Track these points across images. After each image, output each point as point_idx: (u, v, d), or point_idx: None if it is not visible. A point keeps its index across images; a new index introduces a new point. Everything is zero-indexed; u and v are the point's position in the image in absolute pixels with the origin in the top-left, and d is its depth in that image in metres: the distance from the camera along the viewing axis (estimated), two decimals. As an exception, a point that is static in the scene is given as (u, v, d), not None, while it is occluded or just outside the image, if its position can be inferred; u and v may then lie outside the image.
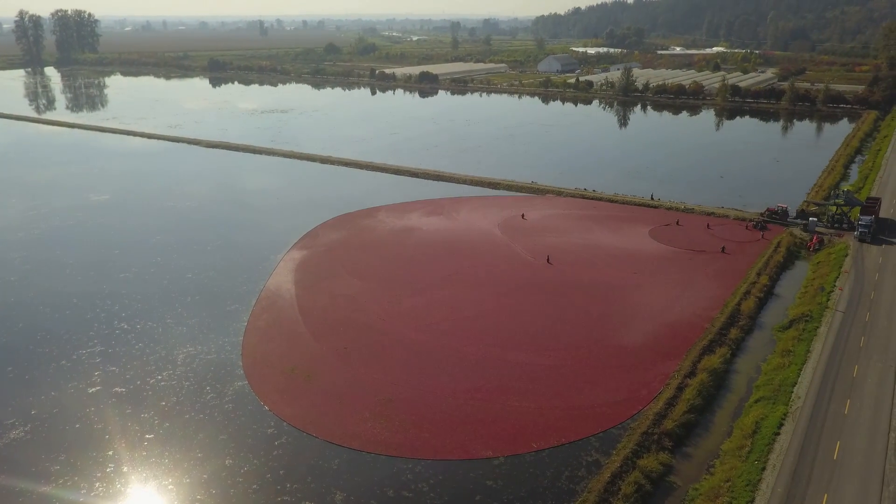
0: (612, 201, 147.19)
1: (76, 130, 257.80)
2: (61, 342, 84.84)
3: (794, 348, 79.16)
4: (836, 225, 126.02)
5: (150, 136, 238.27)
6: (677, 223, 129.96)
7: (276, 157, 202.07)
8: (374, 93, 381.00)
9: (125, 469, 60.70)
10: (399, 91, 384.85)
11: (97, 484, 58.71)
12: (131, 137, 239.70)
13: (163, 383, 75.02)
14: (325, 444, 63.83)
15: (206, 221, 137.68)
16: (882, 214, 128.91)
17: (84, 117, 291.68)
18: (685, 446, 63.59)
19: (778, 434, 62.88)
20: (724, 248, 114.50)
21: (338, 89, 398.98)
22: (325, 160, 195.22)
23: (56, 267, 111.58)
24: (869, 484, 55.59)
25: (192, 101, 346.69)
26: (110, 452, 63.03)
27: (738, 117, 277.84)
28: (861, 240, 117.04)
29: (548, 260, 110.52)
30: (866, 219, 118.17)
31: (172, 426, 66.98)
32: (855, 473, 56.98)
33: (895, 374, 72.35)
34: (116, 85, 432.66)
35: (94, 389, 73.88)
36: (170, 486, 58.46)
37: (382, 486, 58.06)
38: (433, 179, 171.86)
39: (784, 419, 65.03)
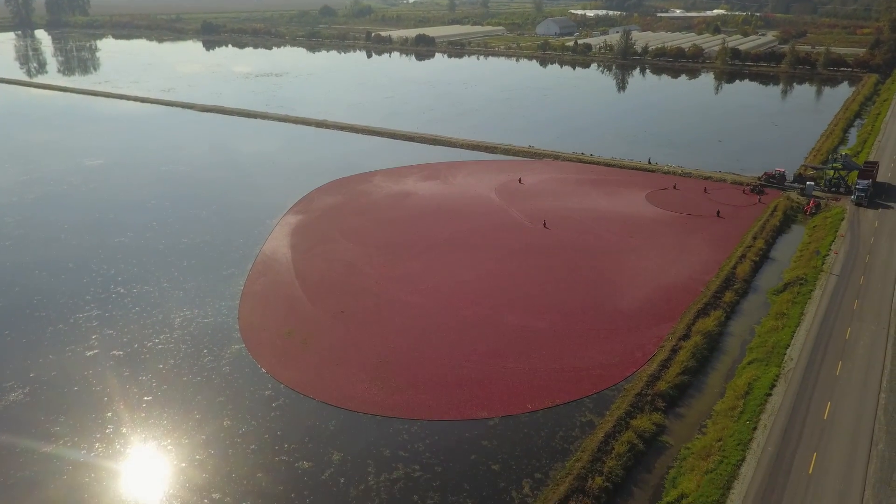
0: (609, 165, 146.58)
1: (68, 94, 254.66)
2: (58, 306, 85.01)
3: (789, 311, 79.67)
4: (833, 189, 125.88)
5: (143, 100, 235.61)
6: (674, 187, 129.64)
7: (271, 122, 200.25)
8: (369, 56, 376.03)
9: (124, 430, 61.33)
10: (395, 54, 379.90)
11: (97, 445, 59.37)
12: (124, 101, 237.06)
13: (160, 346, 75.41)
14: (321, 406, 64.46)
15: (201, 186, 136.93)
16: (879, 178, 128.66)
17: (76, 81, 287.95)
18: (678, 407, 64.36)
19: (770, 395, 63.63)
20: (718, 211, 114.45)
21: (333, 52, 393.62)
22: (320, 124, 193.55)
23: (51, 231, 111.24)
24: (858, 443, 56.45)
25: (185, 64, 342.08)
26: (109, 414, 63.63)
27: (737, 81, 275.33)
28: (858, 204, 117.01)
29: (544, 224, 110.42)
30: (863, 183, 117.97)
31: (170, 388, 67.52)
32: (844, 433, 57.82)
33: (887, 336, 72.99)
34: (108, 48, 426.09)
35: (92, 353, 74.25)
36: (169, 447, 59.15)
37: (379, 446, 58.81)
38: (429, 143, 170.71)
39: (776, 380, 65.74)
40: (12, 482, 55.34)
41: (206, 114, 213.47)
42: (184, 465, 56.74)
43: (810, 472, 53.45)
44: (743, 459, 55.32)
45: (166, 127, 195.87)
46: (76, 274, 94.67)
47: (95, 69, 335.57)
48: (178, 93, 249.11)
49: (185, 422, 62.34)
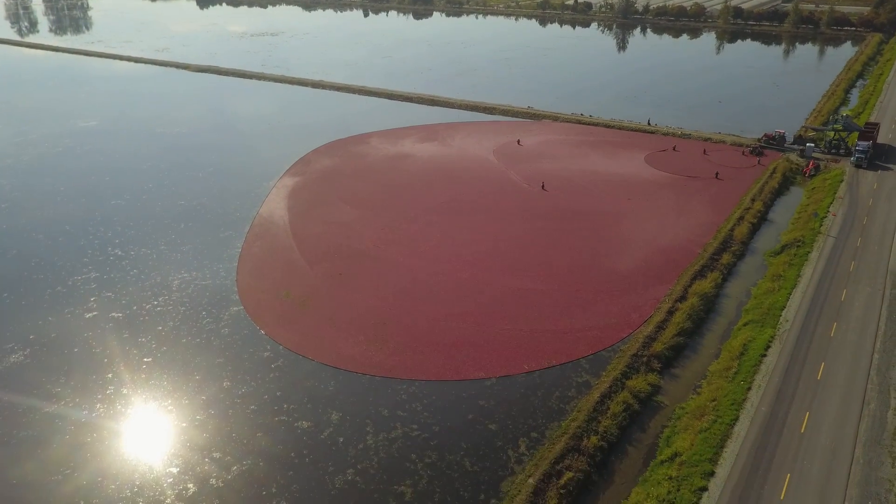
0: (608, 126, 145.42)
1: (60, 54, 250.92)
2: (55, 269, 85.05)
3: (785, 273, 79.94)
4: (833, 150, 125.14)
5: (136, 61, 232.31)
6: (674, 149, 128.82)
7: (267, 82, 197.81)
8: (366, 14, 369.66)
9: (125, 391, 61.97)
10: (392, 13, 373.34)
11: (98, 405, 60.04)
12: (118, 61, 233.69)
13: (159, 308, 75.69)
14: (320, 367, 65.03)
15: (196, 148, 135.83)
16: (880, 140, 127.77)
17: (68, 41, 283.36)
18: (673, 368, 65.01)
19: (765, 356, 64.23)
20: (717, 173, 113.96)
21: (329, 11, 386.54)
22: (316, 84, 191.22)
23: (46, 194, 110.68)
24: (850, 403, 57.19)
25: (179, 23, 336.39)
26: (110, 375, 64.19)
27: (739, 40, 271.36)
28: (857, 165, 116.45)
29: (543, 186, 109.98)
30: (863, 144, 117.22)
31: (170, 350, 68.00)
32: (837, 393, 58.54)
33: (882, 297, 73.40)
34: (100, 6, 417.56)
35: (90, 315, 74.56)
36: (169, 407, 59.84)
37: (377, 405, 59.51)
38: (427, 104, 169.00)
39: (771, 341, 66.29)
40: (16, 441, 56.16)
41: (200, 74, 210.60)
42: (184, 425, 57.50)
43: (802, 430, 54.26)
44: (736, 419, 56.10)
45: (161, 88, 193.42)
46: (73, 237, 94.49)
47: (88, 28, 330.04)
48: (172, 53, 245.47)
49: (186, 383, 62.94)
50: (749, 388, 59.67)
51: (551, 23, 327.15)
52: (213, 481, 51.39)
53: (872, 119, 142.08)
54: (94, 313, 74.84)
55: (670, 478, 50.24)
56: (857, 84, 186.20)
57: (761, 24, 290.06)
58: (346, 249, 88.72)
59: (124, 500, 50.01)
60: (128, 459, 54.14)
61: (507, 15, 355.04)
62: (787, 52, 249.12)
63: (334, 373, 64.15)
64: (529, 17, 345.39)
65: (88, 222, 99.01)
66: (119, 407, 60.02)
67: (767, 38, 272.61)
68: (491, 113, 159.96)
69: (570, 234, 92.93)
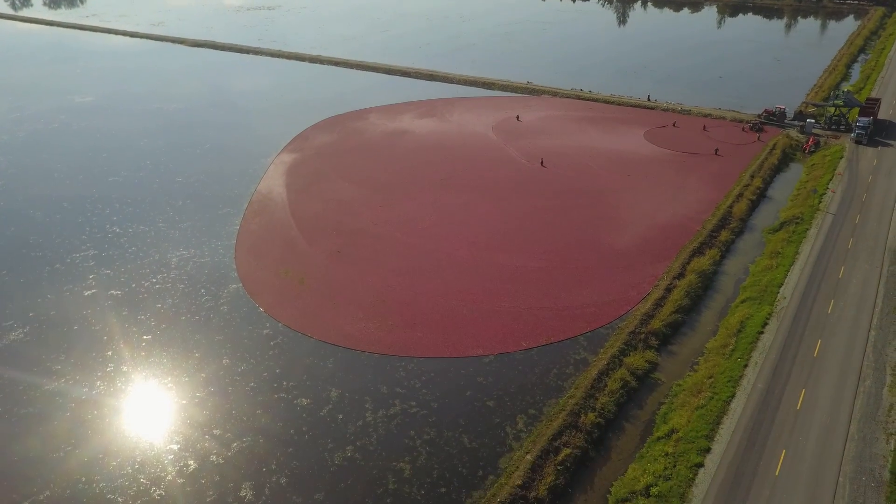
0: (608, 102, 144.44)
1: (55, 28, 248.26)
2: (54, 246, 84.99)
3: (783, 250, 79.97)
4: (833, 126, 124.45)
5: (132, 35, 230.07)
6: (674, 125, 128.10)
7: (264, 57, 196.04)
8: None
9: (125, 369, 62.26)
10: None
11: (98, 383, 60.37)
12: (113, 36, 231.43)
13: (158, 286, 75.77)
14: (319, 344, 65.28)
15: (194, 124, 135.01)
16: (881, 116, 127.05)
17: (62, 14, 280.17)
18: (671, 345, 65.30)
19: (762, 333, 64.49)
20: (717, 150, 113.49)
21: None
22: (314, 59, 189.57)
23: (43, 171, 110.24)
24: (846, 380, 57.56)
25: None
26: (110, 353, 64.44)
27: (740, 14, 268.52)
28: (857, 141, 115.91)
29: (542, 163, 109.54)
30: (864, 120, 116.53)
31: (169, 328, 68.20)
32: (833, 370, 58.88)
33: (880, 275, 73.54)
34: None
35: (89, 292, 74.66)
36: (169, 385, 60.18)
37: (376, 382, 59.86)
38: (426, 79, 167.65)
39: (769, 318, 66.52)
40: (17, 418, 56.58)
41: (197, 49, 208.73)
42: (184, 402, 57.86)
43: (798, 407, 54.68)
44: (733, 396, 56.49)
45: (157, 63, 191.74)
46: (71, 214, 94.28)
47: (82, 2, 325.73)
48: (167, 27, 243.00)
49: (185, 360, 63.23)
50: (746, 366, 60.01)
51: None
52: (213, 458, 51.86)
53: (874, 94, 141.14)
54: (93, 291, 74.94)
55: (667, 454, 50.73)
56: (859, 59, 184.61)
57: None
58: (344, 226, 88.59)
59: (126, 476, 50.52)
60: (129, 436, 54.56)
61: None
62: (788, 27, 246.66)
63: (333, 350, 64.41)
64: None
65: (86, 199, 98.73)
66: (119, 384, 60.34)
67: (769, 12, 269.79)
68: (490, 88, 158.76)
69: (568, 211, 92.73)
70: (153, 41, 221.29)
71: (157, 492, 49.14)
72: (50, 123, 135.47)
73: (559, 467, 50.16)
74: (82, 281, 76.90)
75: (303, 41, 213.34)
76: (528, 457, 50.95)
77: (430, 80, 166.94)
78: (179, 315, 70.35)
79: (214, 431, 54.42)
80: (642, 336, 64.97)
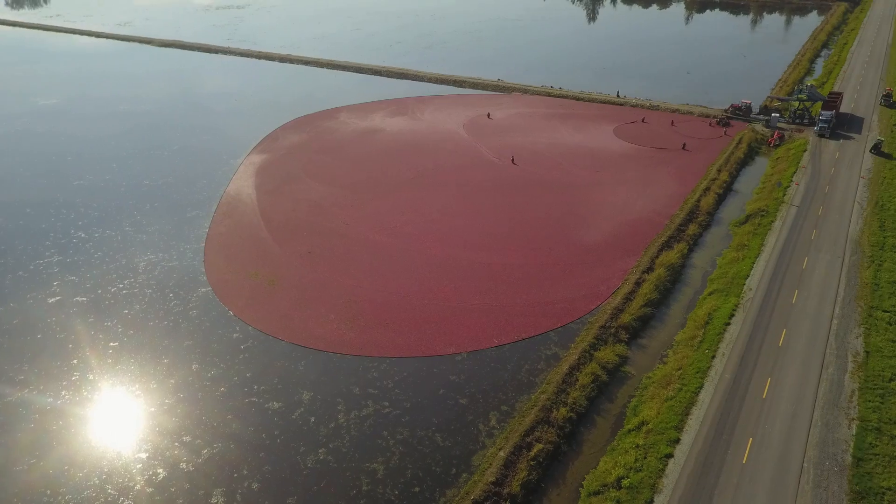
0: (578, 99, 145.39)
1: (17, 29, 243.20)
2: (16, 252, 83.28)
3: (749, 242, 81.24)
4: (797, 120, 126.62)
5: (97, 35, 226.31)
6: (643, 121, 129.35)
7: (233, 57, 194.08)
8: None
9: (91, 377, 61.17)
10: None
11: (64, 392, 59.23)
12: (78, 36, 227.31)
13: (125, 292, 74.63)
14: (291, 347, 64.82)
15: (161, 126, 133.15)
16: (843, 109, 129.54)
17: (25, 15, 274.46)
18: (641, 338, 65.98)
19: (729, 324, 65.45)
20: (684, 144, 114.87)
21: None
22: (284, 59, 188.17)
23: (5, 176, 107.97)
24: (810, 368, 58.68)
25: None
26: (75, 361, 63.30)
27: (707, 10, 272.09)
28: (820, 135, 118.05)
29: (512, 160, 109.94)
30: (826, 114, 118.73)
31: (137, 334, 67.20)
32: (798, 359, 59.97)
33: (842, 265, 75.04)
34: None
35: (54, 299, 73.30)
36: (137, 392, 59.28)
37: (348, 384, 59.61)
38: (397, 78, 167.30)
39: (735, 310, 67.54)
40: (-20, 430, 55.30)
41: (165, 49, 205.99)
42: (153, 410, 57.01)
43: (765, 396, 55.59)
44: (701, 386, 57.26)
45: (123, 64, 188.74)
46: (34, 219, 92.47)
47: (45, 1, 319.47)
48: (134, 27, 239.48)
49: (154, 367, 62.34)
50: (713, 357, 60.88)
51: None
52: (183, 465, 51.23)
53: (836, 89, 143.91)
54: (58, 298, 73.59)
55: (637, 446, 51.28)
56: (822, 54, 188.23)
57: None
58: (315, 227, 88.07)
59: (92, 487, 49.66)
60: (95, 446, 53.61)
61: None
62: (754, 22, 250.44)
63: (304, 352, 64.01)
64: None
65: (50, 204, 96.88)
66: (85, 393, 59.31)
67: (735, 8, 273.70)
68: (461, 86, 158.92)
69: (539, 207, 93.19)
70: (120, 42, 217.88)
71: (126, 502, 48.34)
72: (12, 127, 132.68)
73: (532, 463, 50.45)
74: (46, 288, 75.46)
75: (272, 40, 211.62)
76: (501, 453, 51.16)
77: (401, 78, 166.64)
78: (147, 321, 69.36)
79: (184, 438, 53.76)
80: (612, 330, 65.57)
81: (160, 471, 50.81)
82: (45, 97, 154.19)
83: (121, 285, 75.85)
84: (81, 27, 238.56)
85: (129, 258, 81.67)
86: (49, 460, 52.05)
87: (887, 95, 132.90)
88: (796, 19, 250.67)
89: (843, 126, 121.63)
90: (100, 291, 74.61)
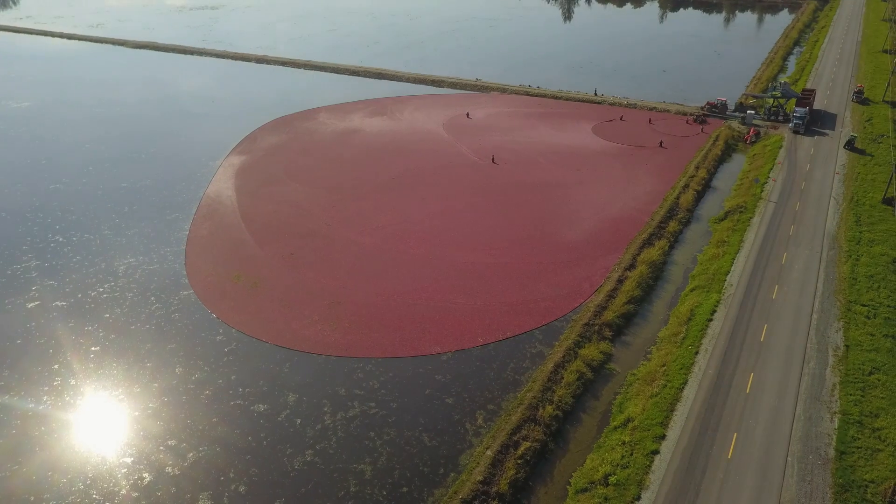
0: (556, 98, 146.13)
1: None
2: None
3: (729, 238, 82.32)
4: (772, 117, 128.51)
5: (70, 37, 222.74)
6: (621, 119, 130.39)
7: (209, 58, 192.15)
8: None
9: (73, 382, 60.32)
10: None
11: (45, 397, 58.35)
12: (50, 38, 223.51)
13: (105, 295, 73.64)
14: (275, 349, 64.44)
15: (138, 127, 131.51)
16: (816, 106, 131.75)
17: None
18: (624, 335, 66.54)
19: (711, 320, 66.27)
20: (661, 142, 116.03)
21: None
22: (260, 60, 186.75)
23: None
24: (791, 362, 59.62)
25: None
26: (56, 366, 62.36)
27: (681, 9, 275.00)
28: (795, 131, 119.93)
29: (493, 160, 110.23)
30: (800, 111, 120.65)
31: (119, 338, 66.36)
32: (779, 353, 60.90)
33: (820, 259, 76.34)
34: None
35: (33, 304, 72.12)
36: (121, 397, 58.55)
37: (334, 385, 59.40)
38: (375, 78, 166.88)
39: (717, 306, 68.40)
40: (-41, 439, 54.25)
41: (138, 51, 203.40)
42: (137, 414, 56.38)
43: (748, 391, 56.37)
44: (685, 383, 57.91)
45: (97, 66, 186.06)
46: (10, 223, 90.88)
47: (14, 3, 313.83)
48: (107, 28, 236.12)
49: (137, 371, 61.63)
50: (697, 353, 61.59)
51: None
52: (168, 469, 50.72)
53: (809, 85, 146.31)
54: (37, 303, 72.41)
55: (623, 443, 51.74)
56: (795, 51, 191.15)
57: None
58: (296, 228, 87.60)
59: (77, 493, 48.99)
60: (79, 451, 52.88)
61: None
62: (727, 21, 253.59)
63: (289, 354, 63.67)
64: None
65: (26, 208, 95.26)
66: (68, 398, 58.47)
67: (709, 7, 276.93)
68: (439, 86, 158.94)
69: (520, 206, 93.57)
70: (92, 43, 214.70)
71: (112, 507, 47.82)
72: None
73: (519, 461, 50.67)
74: (25, 293, 74.21)
75: (248, 41, 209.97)
76: (489, 452, 51.33)
77: (379, 78, 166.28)
78: (129, 324, 68.52)
79: (169, 442, 53.21)
80: (596, 328, 66.07)
81: (146, 475, 50.26)
82: (17, 100, 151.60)
83: (101, 289, 74.82)
84: (53, 29, 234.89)
85: (108, 262, 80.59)
86: (32, 466, 51.29)
87: (859, 92, 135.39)
88: (768, 17, 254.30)
89: (816, 122, 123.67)
90: (80, 296, 73.55)
